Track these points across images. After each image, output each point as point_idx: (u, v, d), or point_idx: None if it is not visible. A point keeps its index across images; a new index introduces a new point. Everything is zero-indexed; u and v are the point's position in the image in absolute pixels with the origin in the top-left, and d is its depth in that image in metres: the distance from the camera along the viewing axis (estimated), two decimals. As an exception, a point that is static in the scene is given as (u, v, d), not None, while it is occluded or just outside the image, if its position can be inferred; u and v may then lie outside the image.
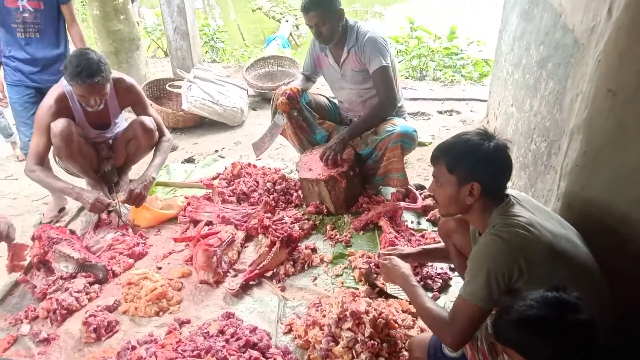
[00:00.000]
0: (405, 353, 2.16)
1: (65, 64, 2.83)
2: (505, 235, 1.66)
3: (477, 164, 1.75)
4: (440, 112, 4.86)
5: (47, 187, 3.14)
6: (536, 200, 1.95)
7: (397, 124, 3.18)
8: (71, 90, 2.96)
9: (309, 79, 3.57)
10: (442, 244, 2.41)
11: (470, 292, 1.70)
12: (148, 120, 3.23)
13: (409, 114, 3.79)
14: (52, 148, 3.07)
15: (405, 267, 2.12)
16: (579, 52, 2.02)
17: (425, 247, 2.56)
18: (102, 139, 3.28)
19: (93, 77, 2.77)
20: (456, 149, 1.81)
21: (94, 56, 2.81)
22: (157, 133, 3.29)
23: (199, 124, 4.82)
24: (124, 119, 3.41)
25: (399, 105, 3.38)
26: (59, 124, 2.93)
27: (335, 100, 3.63)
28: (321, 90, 4.27)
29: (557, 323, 1.34)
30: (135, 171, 3.78)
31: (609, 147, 1.78)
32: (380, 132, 3.22)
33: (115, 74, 3.10)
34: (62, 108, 2.99)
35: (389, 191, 3.43)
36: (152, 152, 3.36)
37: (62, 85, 3.00)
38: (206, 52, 7.51)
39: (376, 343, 2.10)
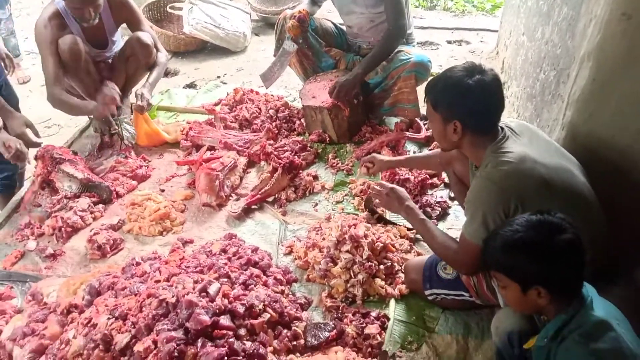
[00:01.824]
0: (401, 275, 2.22)
1: None
2: (494, 177, 1.66)
3: (454, 101, 1.73)
4: (449, 42, 4.73)
5: (69, 107, 3.06)
6: (541, 130, 1.92)
7: (412, 53, 3.07)
8: (64, 7, 2.88)
9: (315, 2, 3.42)
10: (429, 153, 2.47)
11: (470, 232, 1.74)
12: (145, 36, 3.17)
13: (417, 43, 3.67)
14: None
15: (408, 199, 2.13)
16: (597, -26, 1.92)
17: (410, 156, 2.58)
18: (101, 58, 3.22)
19: None
20: (438, 86, 1.79)
21: None
22: (154, 49, 3.23)
23: (201, 49, 4.72)
24: (121, 39, 3.32)
25: (409, 32, 3.27)
26: (67, 40, 2.87)
27: (343, 27, 3.50)
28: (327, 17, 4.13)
29: (542, 244, 1.38)
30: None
31: (619, 74, 1.74)
32: (393, 60, 3.11)
33: None
34: (58, 25, 2.91)
35: (392, 121, 3.40)
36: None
37: (54, 3, 2.91)
38: (208, -25, 7.21)
39: (373, 265, 2.17)
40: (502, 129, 1.78)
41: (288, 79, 4.17)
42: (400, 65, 3.07)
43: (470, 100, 1.71)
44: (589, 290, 1.45)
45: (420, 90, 3.16)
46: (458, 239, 1.84)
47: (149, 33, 3.24)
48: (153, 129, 3.25)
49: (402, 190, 2.18)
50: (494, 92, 1.73)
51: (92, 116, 3.26)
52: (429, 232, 1.99)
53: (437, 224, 2.58)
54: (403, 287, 2.18)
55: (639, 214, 1.85)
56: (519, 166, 1.65)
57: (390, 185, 2.21)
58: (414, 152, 3.13)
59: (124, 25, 3.26)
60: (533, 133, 1.82)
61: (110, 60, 3.27)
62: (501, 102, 1.77)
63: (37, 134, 2.70)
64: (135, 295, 1.96)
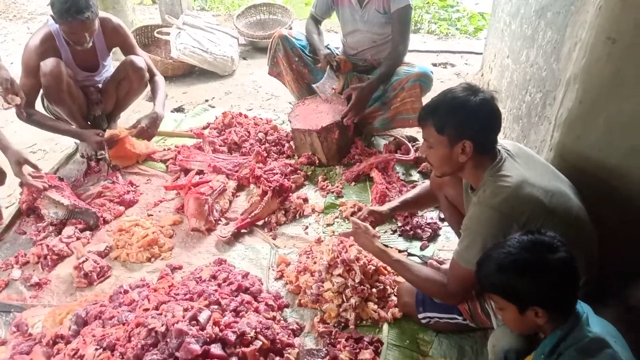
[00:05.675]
0: (394, 298, 2.20)
1: (52, 1, 2.72)
2: (494, 204, 1.66)
3: (465, 121, 1.70)
4: (434, 65, 4.78)
5: (49, 128, 3.07)
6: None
7: (415, 65, 3.18)
8: (57, 29, 2.87)
9: (318, 21, 3.46)
10: (421, 188, 2.40)
11: (467, 259, 1.70)
12: (138, 59, 3.17)
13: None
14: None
15: (379, 242, 2.07)
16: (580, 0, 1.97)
17: (404, 198, 2.43)
18: (91, 82, 3.20)
19: (83, 13, 2.68)
20: (442, 108, 1.75)
21: None
22: (147, 73, 3.22)
23: (189, 73, 4.71)
24: (112, 64, 3.32)
25: None
26: (48, 63, 2.84)
27: (334, 47, 3.54)
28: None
29: (536, 265, 1.40)
30: (124, 119, 3.72)
31: (606, 96, 1.77)
32: (396, 72, 3.18)
33: (101, 14, 2.98)
34: (49, 48, 2.89)
35: (381, 143, 3.42)
36: (143, 95, 3.34)
37: (48, 25, 2.90)
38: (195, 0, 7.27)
39: (366, 288, 2.15)
40: (499, 150, 1.77)
41: (276, 102, 4.19)
42: (404, 76, 3.14)
43: (481, 118, 1.70)
44: (584, 307, 1.46)
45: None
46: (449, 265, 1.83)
47: (142, 57, 3.23)
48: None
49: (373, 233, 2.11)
50: (496, 109, 1.73)
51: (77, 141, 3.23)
52: (410, 270, 1.94)
53: (427, 245, 2.58)
54: (396, 310, 2.16)
55: (628, 232, 1.86)
56: (518, 192, 1.64)
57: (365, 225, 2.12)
58: (403, 174, 3.14)
59: (115, 50, 3.25)
60: (529, 156, 1.83)
61: (100, 85, 3.25)
62: (501, 119, 1.78)
63: (35, 168, 2.72)
64: (124, 324, 1.92)
